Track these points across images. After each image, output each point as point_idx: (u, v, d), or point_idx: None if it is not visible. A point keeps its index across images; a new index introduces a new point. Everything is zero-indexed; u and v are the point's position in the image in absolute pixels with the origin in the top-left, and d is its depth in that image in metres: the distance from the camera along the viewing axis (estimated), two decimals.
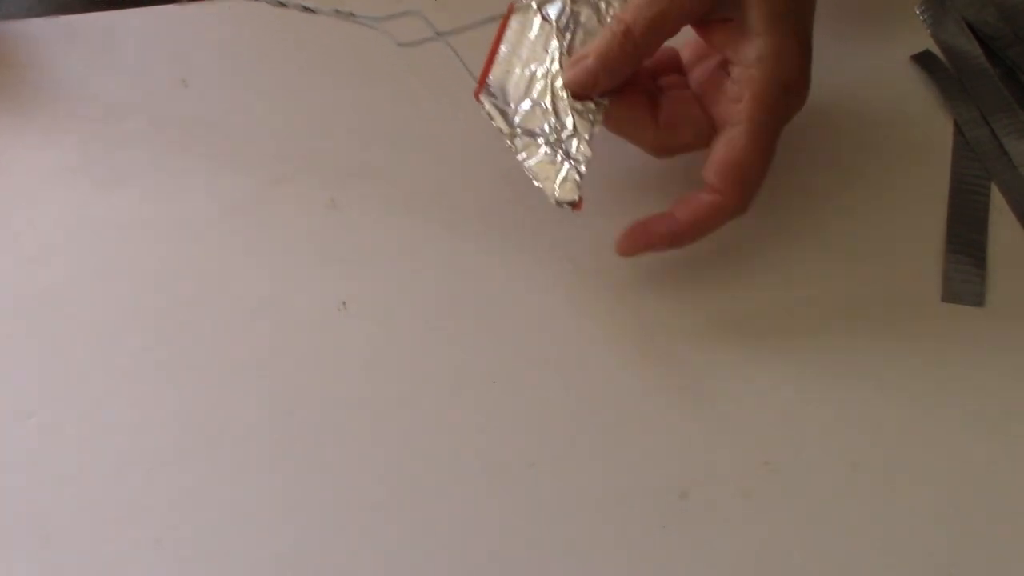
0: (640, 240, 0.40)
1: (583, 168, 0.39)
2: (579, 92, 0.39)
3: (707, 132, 0.39)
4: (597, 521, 0.37)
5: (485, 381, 0.40)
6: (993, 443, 0.39)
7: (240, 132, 0.46)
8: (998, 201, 0.45)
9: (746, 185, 0.39)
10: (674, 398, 0.40)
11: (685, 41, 0.42)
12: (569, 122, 0.40)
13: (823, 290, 0.42)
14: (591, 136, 0.39)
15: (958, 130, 0.46)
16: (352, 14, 0.42)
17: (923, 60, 0.48)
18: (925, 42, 0.49)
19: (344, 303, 0.42)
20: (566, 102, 0.40)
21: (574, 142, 0.39)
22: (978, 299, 0.42)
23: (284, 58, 0.48)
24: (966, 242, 0.43)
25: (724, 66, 0.39)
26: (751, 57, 0.38)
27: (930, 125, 0.47)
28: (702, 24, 0.39)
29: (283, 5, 0.42)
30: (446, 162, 0.45)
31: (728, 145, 0.38)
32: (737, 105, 0.38)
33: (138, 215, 0.44)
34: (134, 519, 0.37)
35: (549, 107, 0.40)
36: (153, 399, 0.39)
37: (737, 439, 0.39)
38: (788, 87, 0.38)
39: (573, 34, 0.41)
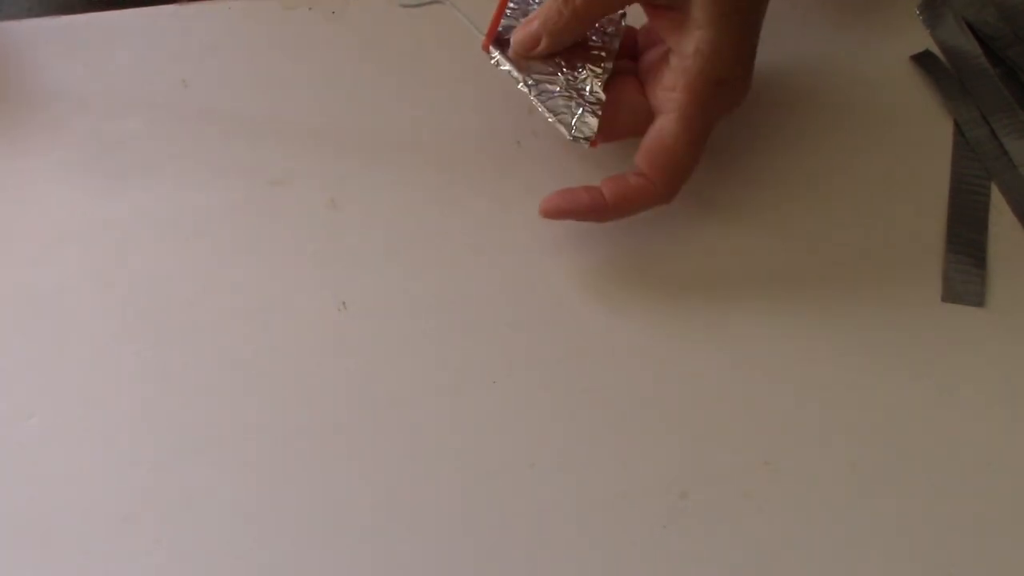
0: (564, 205, 0.41)
1: (599, 111, 0.40)
2: (522, 52, 0.41)
3: (646, 119, 0.40)
4: (597, 521, 0.37)
5: (485, 381, 0.40)
6: (993, 443, 0.39)
7: (240, 132, 0.46)
8: (998, 201, 0.45)
9: (671, 173, 0.39)
10: (675, 398, 0.40)
11: (643, 24, 0.43)
12: (580, 68, 0.41)
13: (823, 290, 0.42)
14: (602, 81, 0.41)
15: (958, 130, 0.46)
16: None
17: (923, 60, 0.48)
18: (925, 42, 0.49)
19: (344, 303, 0.42)
20: (579, 50, 0.41)
21: (587, 86, 0.41)
22: (978, 299, 0.42)
23: (284, 58, 0.48)
24: (966, 242, 0.43)
25: (664, 54, 0.40)
26: (689, 49, 0.38)
27: (930, 125, 0.47)
28: (650, 8, 0.40)
29: None
30: (446, 162, 0.45)
31: (657, 133, 0.39)
32: (671, 94, 0.39)
33: (138, 215, 0.44)
34: (134, 519, 0.37)
35: (560, 56, 0.41)
36: (153, 399, 0.39)
37: (737, 439, 0.39)
38: (721, 83, 0.39)
39: None
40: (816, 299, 0.42)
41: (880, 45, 0.49)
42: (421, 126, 0.46)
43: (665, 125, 0.39)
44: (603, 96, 0.40)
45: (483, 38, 0.42)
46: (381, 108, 0.47)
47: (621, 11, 0.42)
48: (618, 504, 0.37)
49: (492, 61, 0.42)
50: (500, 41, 0.42)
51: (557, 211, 0.41)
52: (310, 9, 0.50)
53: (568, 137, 0.40)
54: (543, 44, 0.40)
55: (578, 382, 0.40)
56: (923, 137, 0.46)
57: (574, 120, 0.40)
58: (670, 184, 0.39)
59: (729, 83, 0.39)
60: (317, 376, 0.40)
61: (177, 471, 0.38)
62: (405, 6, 0.42)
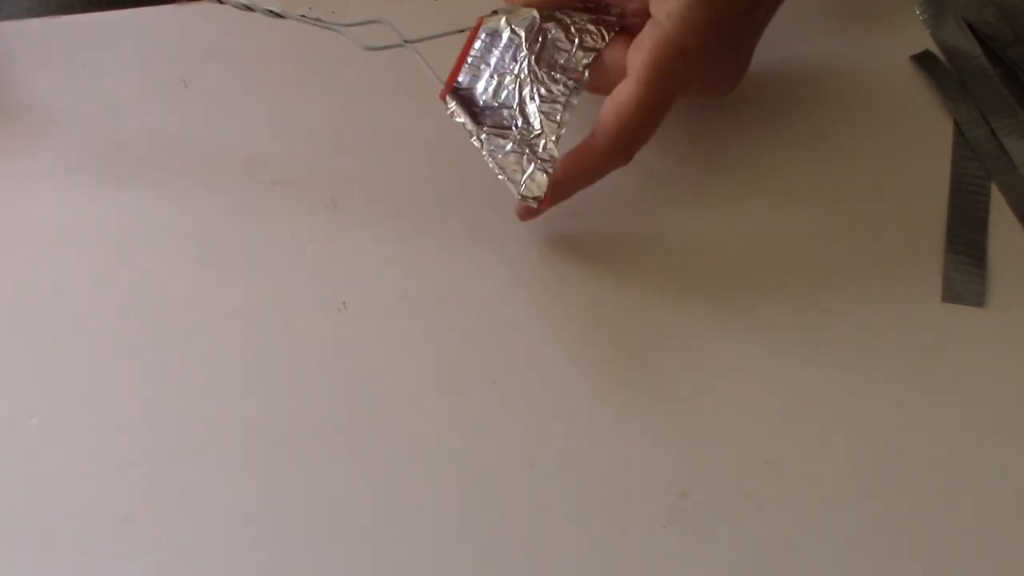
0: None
1: (550, 169, 0.40)
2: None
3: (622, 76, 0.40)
4: (597, 521, 0.37)
5: (485, 381, 0.40)
6: (993, 443, 0.39)
7: (240, 132, 0.46)
8: (998, 201, 0.45)
9: (624, 134, 0.39)
10: (674, 398, 0.39)
11: None
12: (537, 124, 0.41)
13: (823, 290, 0.42)
14: (557, 137, 0.40)
15: (958, 130, 0.46)
16: (319, 19, 0.43)
17: (923, 60, 0.48)
18: (925, 42, 0.49)
19: (344, 303, 0.42)
20: (535, 106, 0.41)
21: (541, 142, 0.40)
22: (978, 299, 0.42)
23: (284, 58, 0.48)
24: (966, 242, 0.43)
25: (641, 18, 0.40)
26: (660, 14, 0.38)
27: (930, 125, 0.47)
28: None
29: (250, 9, 0.43)
30: (446, 162, 0.45)
31: (617, 94, 0.39)
32: (637, 56, 0.39)
33: (138, 215, 0.44)
34: (134, 519, 0.37)
35: (516, 110, 0.41)
36: (153, 399, 0.39)
37: (737, 439, 0.39)
38: (685, 52, 0.38)
39: (542, 47, 0.42)
40: (816, 299, 0.42)
41: (880, 45, 0.49)
42: (421, 126, 0.46)
43: (623, 87, 0.39)
44: (556, 154, 0.40)
45: (442, 87, 0.42)
46: (381, 108, 0.47)
47: (586, 62, 0.42)
48: (618, 504, 0.37)
49: (448, 112, 0.41)
50: (457, 92, 0.42)
51: (527, 211, 0.41)
52: (310, 9, 0.50)
53: (516, 196, 0.40)
54: None
55: (578, 382, 0.40)
56: (923, 137, 0.46)
57: (523, 178, 0.40)
58: (619, 143, 0.39)
59: (695, 55, 0.38)
60: (317, 376, 0.40)
61: (177, 471, 0.38)
62: (369, 49, 0.42)
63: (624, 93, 0.39)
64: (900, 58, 0.48)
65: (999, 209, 0.44)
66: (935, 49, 0.49)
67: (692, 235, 0.43)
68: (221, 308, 0.41)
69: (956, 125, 0.46)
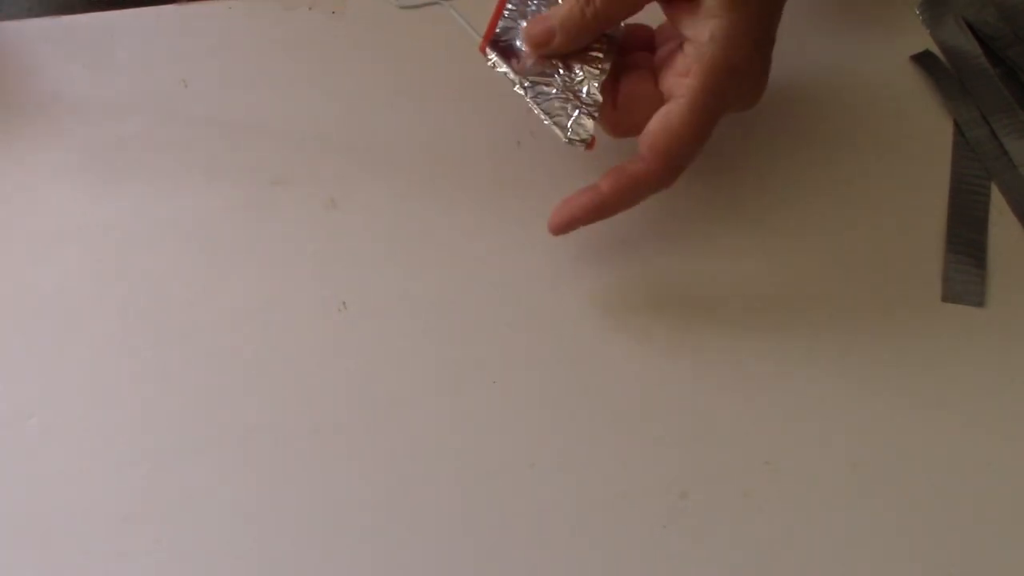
0: (566, 214, 0.40)
1: (595, 112, 0.40)
2: (534, 48, 0.40)
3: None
4: (597, 521, 0.37)
5: (485, 381, 0.40)
6: (993, 443, 0.39)
7: (240, 132, 0.46)
8: (998, 201, 0.44)
9: (671, 159, 0.39)
10: (674, 398, 0.39)
11: (660, 24, 0.43)
12: (578, 69, 0.41)
13: (823, 290, 0.42)
14: (599, 82, 0.40)
15: (958, 130, 0.46)
16: None
17: (923, 60, 0.48)
18: (925, 42, 0.49)
19: (344, 303, 0.42)
20: (575, 54, 0.41)
21: (584, 87, 0.40)
22: (978, 299, 0.42)
23: (284, 58, 0.48)
24: (966, 242, 0.43)
25: (678, 43, 0.40)
26: (704, 36, 0.38)
27: (930, 125, 0.47)
28: (665, 2, 0.40)
29: None
30: (446, 162, 0.45)
31: (664, 117, 0.39)
32: (683, 80, 0.39)
33: (138, 215, 0.44)
34: (133, 519, 0.37)
35: (557, 59, 0.41)
36: (153, 399, 0.39)
37: (737, 439, 0.39)
38: (734, 71, 0.38)
39: None
40: (816, 299, 0.42)
41: (880, 45, 0.49)
42: (421, 126, 0.46)
43: (673, 109, 0.38)
44: (600, 97, 0.40)
45: (480, 40, 0.42)
46: (381, 108, 0.47)
47: None
48: (618, 504, 0.37)
49: (488, 63, 0.41)
50: (497, 43, 0.42)
51: (562, 224, 0.41)
52: (310, 9, 0.50)
53: (564, 140, 0.40)
54: (556, 42, 0.40)
55: (578, 382, 0.40)
56: (923, 137, 0.46)
57: (570, 123, 0.40)
58: (670, 169, 0.39)
59: (742, 72, 0.39)
60: (317, 376, 0.40)
61: (177, 471, 0.38)
62: (403, 7, 0.42)
63: (675, 118, 0.38)
64: (900, 58, 0.48)
65: (999, 209, 0.44)
66: (935, 49, 0.49)
67: (688, 234, 0.43)
68: (221, 308, 0.41)
69: (956, 125, 0.46)
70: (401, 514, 0.37)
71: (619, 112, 0.40)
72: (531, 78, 0.41)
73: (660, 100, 0.40)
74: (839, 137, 0.46)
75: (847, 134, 0.46)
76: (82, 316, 0.41)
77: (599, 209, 0.40)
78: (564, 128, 0.40)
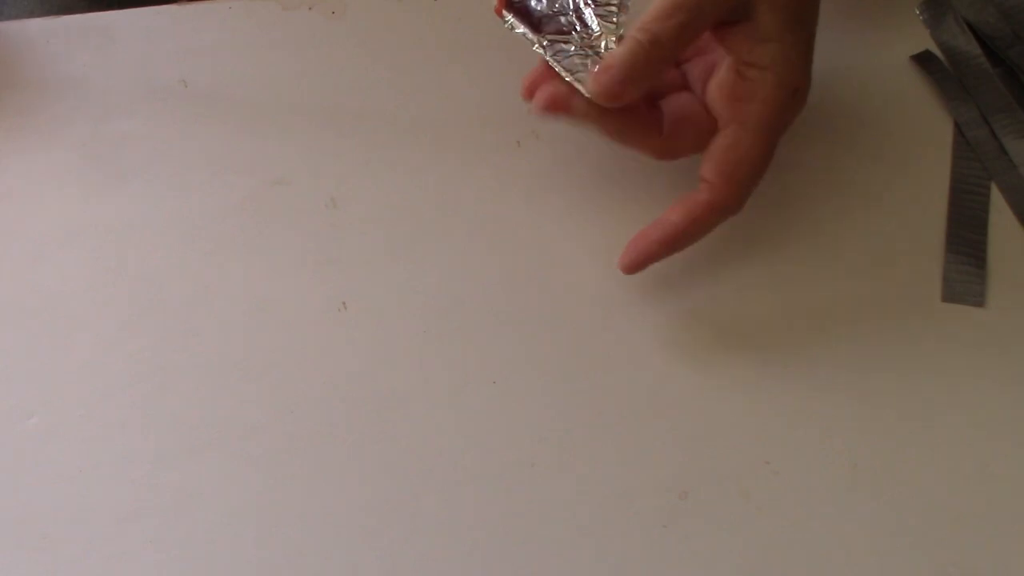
0: (640, 252, 0.40)
1: None
2: (606, 102, 0.38)
3: (709, 134, 0.40)
4: (597, 521, 0.37)
5: (485, 381, 0.40)
6: (993, 443, 0.39)
7: (240, 132, 0.46)
8: (998, 201, 0.44)
9: (744, 185, 0.39)
10: (674, 398, 0.40)
11: None
12: (595, 26, 0.40)
13: (823, 290, 0.42)
14: (618, 38, 0.40)
15: (958, 130, 0.46)
16: None
17: (923, 60, 0.48)
18: (925, 42, 0.49)
19: (344, 303, 0.42)
20: (591, 10, 0.41)
21: (603, 43, 0.40)
22: (978, 299, 0.42)
23: (284, 58, 0.48)
24: (966, 242, 0.43)
25: (730, 67, 0.39)
26: (765, 61, 0.38)
27: (930, 125, 0.47)
28: (716, 27, 0.39)
29: None
30: (446, 162, 0.45)
31: (733, 145, 0.38)
32: (747, 106, 0.38)
33: (138, 215, 0.44)
34: (133, 519, 0.37)
35: (573, 15, 0.41)
36: (153, 399, 0.39)
37: (737, 439, 0.39)
38: (797, 91, 0.39)
39: None
40: (816, 299, 0.42)
41: (880, 45, 0.49)
42: (421, 126, 0.46)
43: (742, 137, 0.38)
44: None
45: (495, 3, 0.42)
46: (381, 108, 0.47)
47: None
48: (618, 504, 0.37)
49: (506, 25, 0.41)
50: (512, 4, 0.41)
51: (636, 263, 0.40)
52: (310, 9, 0.50)
53: (587, 95, 0.39)
54: (628, 92, 0.38)
55: (578, 382, 0.40)
56: (923, 137, 0.46)
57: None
58: (743, 196, 0.39)
59: (802, 91, 0.39)
60: (317, 376, 0.40)
61: (176, 471, 0.38)
62: None
63: (746, 145, 0.38)
64: (900, 58, 0.48)
65: (999, 209, 0.44)
66: (935, 49, 0.49)
67: None
68: (221, 308, 0.41)
69: (956, 125, 0.46)
70: (401, 514, 0.37)
71: (668, 139, 0.40)
72: (549, 37, 0.40)
73: (709, 124, 0.39)
74: (839, 137, 0.46)
75: (847, 134, 0.46)
76: (82, 316, 0.41)
77: (674, 242, 0.40)
78: (586, 84, 0.39)
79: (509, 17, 0.41)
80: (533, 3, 0.42)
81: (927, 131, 0.46)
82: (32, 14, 0.51)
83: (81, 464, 0.38)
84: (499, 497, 0.37)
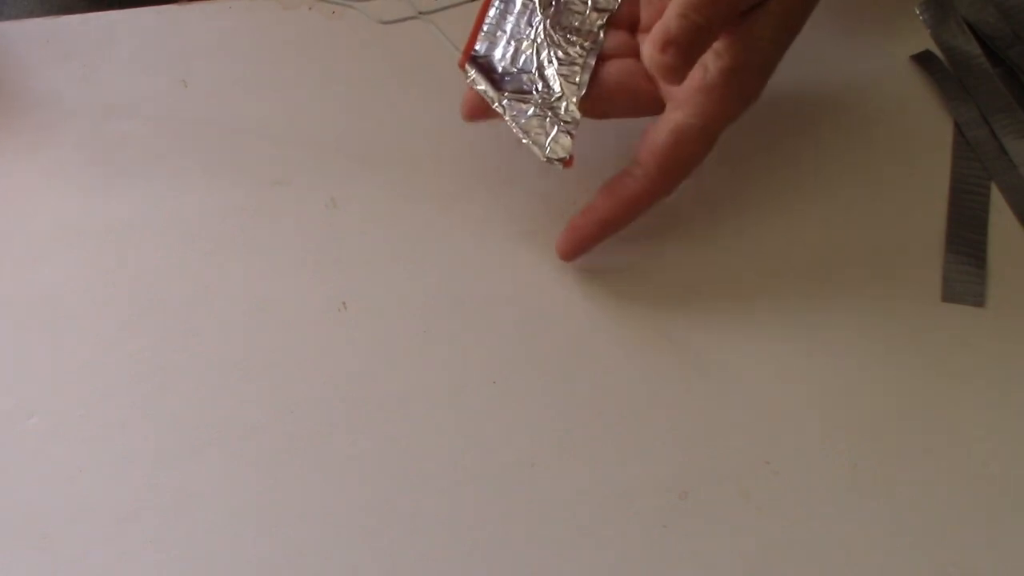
0: (574, 240, 0.41)
1: (573, 130, 0.40)
2: (669, 79, 0.35)
3: (648, 106, 0.40)
4: (597, 521, 0.37)
5: (485, 381, 0.40)
6: (993, 443, 0.39)
7: (240, 132, 0.46)
8: (998, 201, 0.44)
9: (682, 173, 0.39)
10: (674, 398, 0.39)
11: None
12: (556, 87, 0.41)
13: (823, 290, 0.42)
14: (578, 99, 0.40)
15: (958, 130, 0.46)
16: None
17: (923, 60, 0.48)
18: (925, 42, 0.49)
19: (344, 303, 0.42)
20: (553, 69, 0.41)
21: (562, 104, 0.40)
22: (978, 299, 0.42)
23: (284, 58, 0.48)
24: (966, 242, 0.43)
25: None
26: (755, 62, 0.38)
27: (930, 125, 0.47)
28: None
29: None
30: (446, 162, 0.45)
31: (681, 141, 0.38)
32: (703, 97, 0.38)
33: (138, 215, 0.44)
34: (133, 519, 0.37)
35: (535, 74, 0.41)
36: (153, 399, 0.39)
37: (737, 439, 0.39)
38: (750, 99, 0.39)
39: (556, 10, 0.42)
40: (816, 299, 0.42)
41: (880, 45, 0.49)
42: (422, 126, 0.46)
43: (684, 127, 0.38)
44: (578, 115, 0.40)
45: (460, 55, 0.42)
46: (381, 108, 0.47)
47: (600, 23, 0.42)
48: (618, 504, 0.37)
49: (468, 80, 0.41)
50: (476, 60, 0.42)
51: (572, 250, 0.41)
52: (310, 9, 0.50)
53: (542, 159, 0.40)
54: (710, 34, 0.36)
55: (578, 382, 0.40)
56: (923, 137, 0.46)
57: (548, 141, 0.40)
58: (677, 182, 0.39)
59: (755, 99, 0.39)
60: (317, 376, 0.40)
61: (176, 471, 0.38)
62: (384, 22, 0.42)
63: (688, 137, 0.38)
64: (900, 58, 0.48)
65: (999, 209, 0.44)
66: (935, 49, 0.49)
67: (690, 232, 0.43)
68: (221, 308, 0.41)
69: (956, 125, 0.46)
70: (401, 514, 0.37)
71: (598, 100, 0.40)
72: (509, 95, 0.41)
73: (649, 93, 0.40)
74: (839, 137, 0.46)
75: (847, 134, 0.46)
76: (82, 316, 0.41)
77: (604, 228, 0.40)
78: (542, 147, 0.40)
79: (472, 72, 0.41)
80: (497, 58, 0.42)
81: (927, 131, 0.46)
82: (32, 14, 0.51)
83: (81, 464, 0.38)
84: (499, 497, 0.37)
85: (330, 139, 0.46)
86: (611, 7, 0.42)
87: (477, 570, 0.36)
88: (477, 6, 0.43)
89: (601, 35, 0.42)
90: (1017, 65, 0.47)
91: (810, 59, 0.48)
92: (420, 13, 0.43)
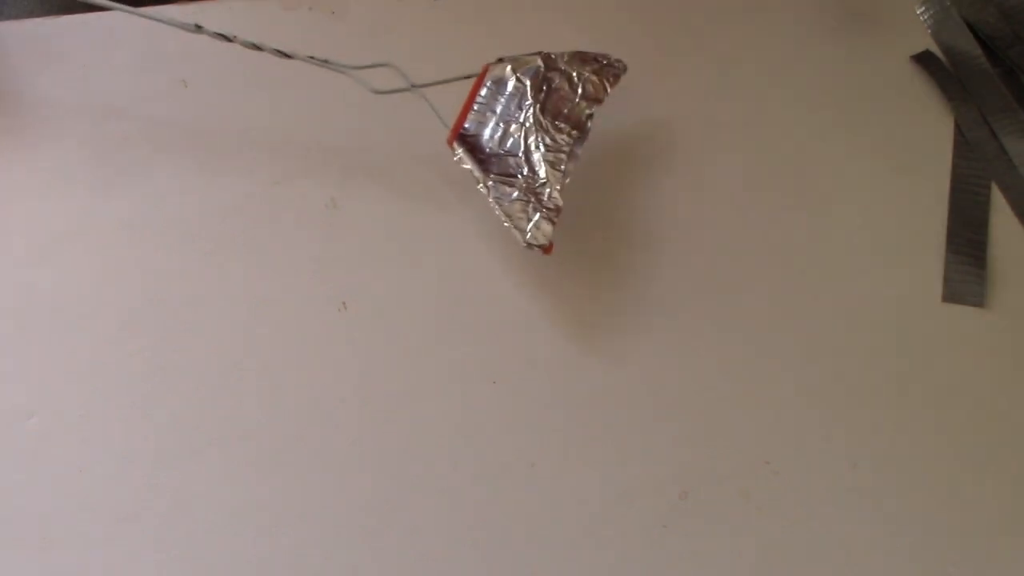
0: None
1: (555, 217, 0.40)
2: None
3: None
4: (597, 521, 0.37)
5: (485, 381, 0.40)
6: (993, 443, 0.39)
7: (240, 132, 0.46)
8: (998, 201, 0.45)
9: None
10: (674, 398, 0.40)
11: None
12: (542, 172, 0.41)
13: (823, 290, 0.42)
14: (562, 186, 0.41)
15: (958, 130, 0.46)
16: (327, 61, 0.43)
17: (923, 60, 0.48)
18: (925, 42, 0.49)
19: (344, 303, 0.42)
20: (540, 154, 0.41)
21: (546, 191, 0.41)
22: (978, 299, 0.42)
23: (284, 58, 0.48)
24: (966, 242, 0.43)
25: None
26: None
27: (930, 125, 0.47)
28: None
29: (258, 48, 0.43)
30: (446, 161, 0.45)
31: None
32: None
33: (138, 215, 0.44)
34: (133, 519, 0.37)
35: (522, 158, 0.41)
36: (153, 399, 0.39)
37: (737, 439, 0.39)
38: None
39: (546, 96, 0.43)
40: (816, 298, 0.42)
41: (880, 45, 0.49)
42: (421, 125, 0.46)
43: None
44: (561, 202, 0.40)
45: (448, 131, 0.42)
46: (381, 108, 0.47)
47: (589, 112, 0.43)
48: (618, 504, 0.37)
49: (455, 158, 0.42)
50: (464, 139, 0.42)
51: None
52: (310, 9, 0.50)
53: (522, 243, 0.40)
54: None
55: (578, 382, 0.40)
56: (923, 137, 0.46)
57: (529, 226, 0.40)
58: None
59: None
60: (317, 376, 0.40)
61: (176, 471, 0.38)
62: (377, 93, 0.42)
63: None
64: (900, 58, 0.48)
65: (999, 209, 0.44)
66: (935, 49, 0.49)
67: (693, 237, 0.43)
68: (221, 308, 0.41)
69: (956, 125, 0.46)
70: (401, 514, 0.37)
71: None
72: (494, 177, 0.41)
73: None
74: (838, 137, 0.46)
75: (847, 134, 0.46)
76: (82, 316, 0.41)
77: None
78: (523, 232, 0.40)
79: (459, 150, 0.42)
80: (486, 138, 0.42)
81: (927, 131, 0.46)
82: (32, 14, 0.51)
83: (81, 464, 0.38)
84: (499, 497, 0.37)
85: (330, 139, 0.46)
86: (600, 97, 0.43)
87: (477, 570, 0.36)
88: (470, 84, 0.43)
89: (589, 124, 0.42)
90: (1017, 65, 0.48)
91: (810, 59, 0.49)
92: (413, 86, 0.43)
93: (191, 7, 0.50)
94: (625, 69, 0.44)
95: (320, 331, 0.41)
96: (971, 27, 0.49)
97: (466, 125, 0.42)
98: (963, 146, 0.46)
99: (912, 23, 0.50)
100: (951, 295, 0.42)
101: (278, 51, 0.43)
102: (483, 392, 0.40)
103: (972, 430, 0.39)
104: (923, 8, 0.50)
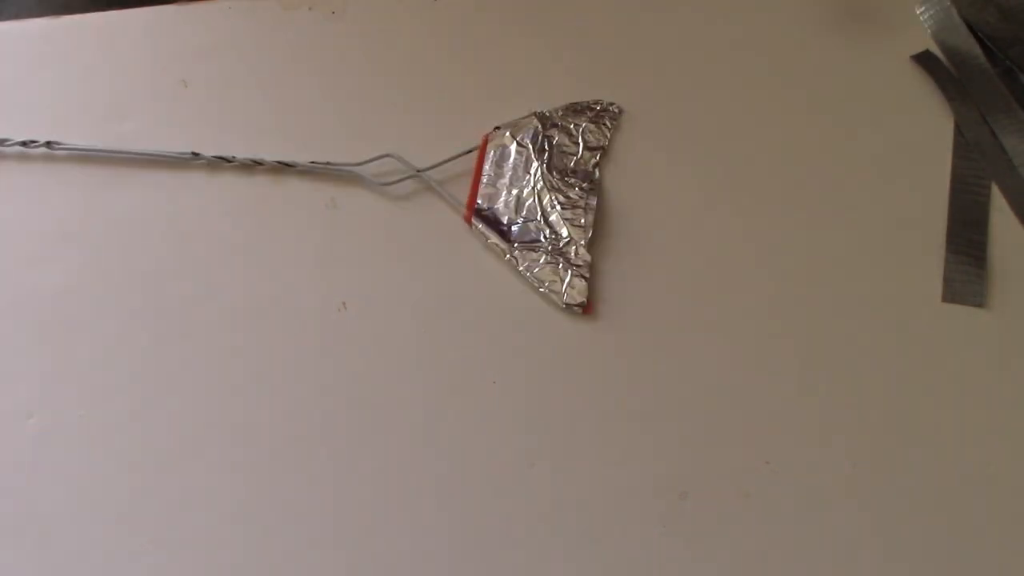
0: None
1: (586, 273, 0.41)
2: None
3: None
4: (597, 521, 0.37)
5: (485, 381, 0.40)
6: (993, 443, 0.39)
7: (240, 132, 0.46)
8: (998, 201, 0.44)
9: None
10: (674, 398, 0.39)
11: None
12: (564, 231, 0.42)
13: (823, 290, 0.42)
14: (586, 241, 0.41)
15: (958, 130, 0.46)
16: (329, 163, 0.43)
17: (923, 60, 0.48)
18: (925, 42, 0.49)
19: (344, 303, 0.42)
20: (557, 214, 0.42)
21: (572, 249, 0.41)
22: (978, 299, 0.42)
23: (284, 58, 0.48)
24: (966, 242, 0.43)
25: None
26: None
27: (930, 125, 0.47)
28: None
29: (259, 164, 0.44)
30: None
31: None
32: None
33: (138, 215, 0.44)
34: (133, 519, 0.37)
35: (542, 221, 0.42)
36: (153, 399, 0.39)
37: (737, 439, 0.39)
38: None
39: (550, 154, 0.43)
40: (816, 299, 0.42)
41: (880, 45, 0.49)
42: (421, 125, 0.46)
43: None
44: (589, 258, 0.41)
45: (464, 211, 0.43)
46: (381, 108, 0.47)
47: (594, 161, 0.43)
48: (618, 504, 0.37)
49: (477, 233, 0.42)
50: (480, 213, 0.42)
51: None
52: (310, 9, 0.50)
53: (561, 306, 0.40)
54: None
55: (578, 382, 0.40)
56: (923, 137, 0.46)
57: (564, 287, 0.41)
58: None
59: None
60: (317, 376, 0.40)
61: (176, 471, 0.38)
62: (385, 185, 0.43)
63: None
64: (900, 58, 0.48)
65: (999, 209, 0.44)
66: (935, 49, 0.49)
67: (690, 235, 0.43)
68: (221, 308, 0.41)
69: (956, 125, 0.46)
70: (401, 514, 0.37)
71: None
72: (519, 245, 0.41)
73: None
74: (839, 137, 0.46)
75: (847, 134, 0.46)
76: (82, 316, 0.41)
77: None
78: (559, 294, 0.40)
79: (479, 225, 0.42)
80: (501, 209, 0.42)
81: (927, 131, 0.46)
82: (32, 14, 0.51)
83: (81, 464, 0.38)
84: (499, 497, 0.37)
85: (330, 139, 0.46)
86: (603, 144, 0.43)
87: (477, 570, 0.36)
88: (473, 158, 0.44)
89: (597, 173, 0.43)
90: (1017, 65, 0.48)
91: (810, 59, 0.49)
92: (418, 171, 0.43)
93: (191, 7, 0.50)
94: (621, 111, 0.45)
95: (320, 331, 0.41)
96: (971, 27, 0.49)
97: (479, 201, 0.43)
98: (963, 146, 0.46)
99: (912, 23, 0.50)
100: (951, 295, 0.42)
101: (279, 162, 0.44)
102: (483, 392, 0.40)
103: (972, 430, 0.39)
104: (923, 8, 0.50)
